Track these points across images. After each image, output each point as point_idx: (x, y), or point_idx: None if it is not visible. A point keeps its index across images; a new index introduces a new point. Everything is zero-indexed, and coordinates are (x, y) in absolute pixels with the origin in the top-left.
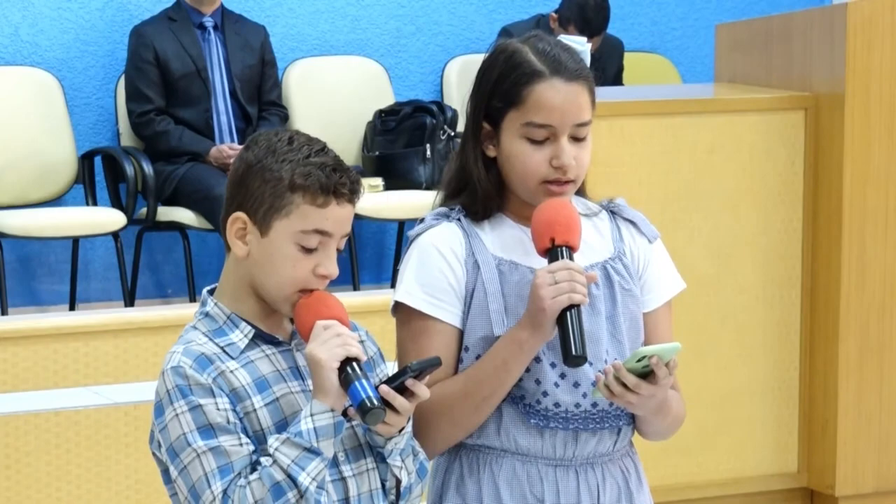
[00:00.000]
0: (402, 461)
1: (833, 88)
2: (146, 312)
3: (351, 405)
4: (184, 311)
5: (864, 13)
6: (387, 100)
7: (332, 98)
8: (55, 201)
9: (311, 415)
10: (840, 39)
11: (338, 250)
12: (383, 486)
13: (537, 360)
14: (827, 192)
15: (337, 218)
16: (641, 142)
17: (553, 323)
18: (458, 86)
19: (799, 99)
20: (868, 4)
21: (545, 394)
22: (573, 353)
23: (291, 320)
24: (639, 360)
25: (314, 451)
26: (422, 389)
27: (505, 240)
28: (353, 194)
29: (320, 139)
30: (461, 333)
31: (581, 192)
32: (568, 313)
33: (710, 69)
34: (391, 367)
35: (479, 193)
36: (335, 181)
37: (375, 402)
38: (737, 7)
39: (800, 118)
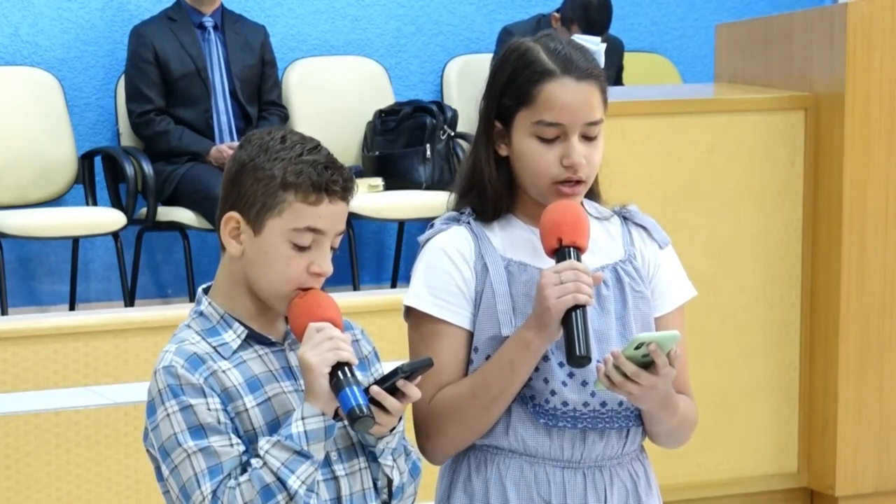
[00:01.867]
0: (394, 460)
1: (833, 88)
2: (146, 312)
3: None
4: (184, 311)
5: (864, 13)
6: (387, 100)
7: (332, 98)
8: (55, 201)
9: (302, 418)
10: (840, 39)
11: (333, 249)
12: (375, 485)
13: (545, 359)
14: (827, 192)
15: (330, 216)
16: (641, 142)
17: (558, 323)
18: (458, 86)
19: (799, 99)
20: (868, 4)
21: (553, 393)
22: (577, 353)
23: (286, 319)
24: (637, 349)
25: (304, 455)
26: (413, 390)
27: (514, 241)
28: (345, 192)
29: (314, 138)
30: (471, 336)
31: (595, 197)
32: (573, 313)
33: (710, 69)
34: (388, 367)
35: (490, 192)
36: (327, 178)
37: (365, 409)
38: (737, 7)
39: (800, 118)
